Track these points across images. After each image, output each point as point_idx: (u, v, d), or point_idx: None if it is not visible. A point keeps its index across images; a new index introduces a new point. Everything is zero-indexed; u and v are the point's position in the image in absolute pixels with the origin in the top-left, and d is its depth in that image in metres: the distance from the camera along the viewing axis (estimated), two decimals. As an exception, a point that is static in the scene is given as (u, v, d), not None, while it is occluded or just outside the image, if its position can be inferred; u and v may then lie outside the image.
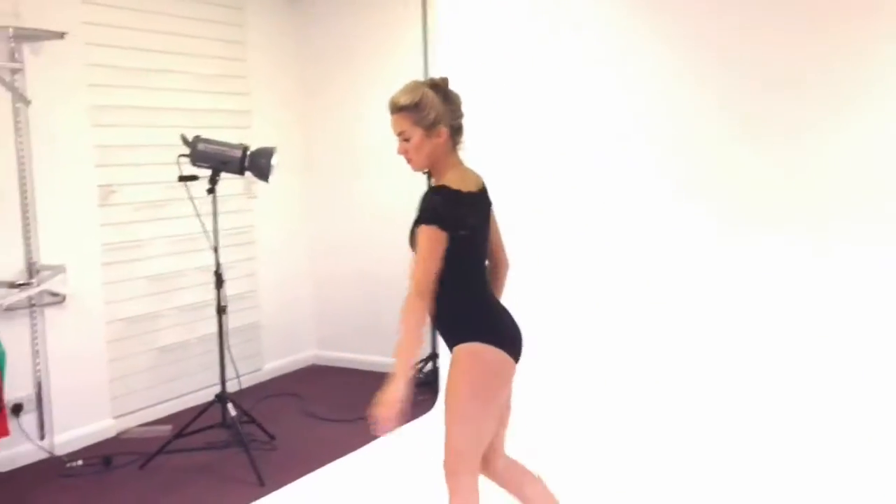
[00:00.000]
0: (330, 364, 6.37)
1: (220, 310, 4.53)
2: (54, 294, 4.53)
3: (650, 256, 4.89)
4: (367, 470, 4.33)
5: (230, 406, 4.54)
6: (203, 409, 4.62)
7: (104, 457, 4.48)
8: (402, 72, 5.53)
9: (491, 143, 4.99)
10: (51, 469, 4.40)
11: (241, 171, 4.46)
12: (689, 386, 4.72)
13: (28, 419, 4.47)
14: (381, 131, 5.75)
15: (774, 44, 4.50)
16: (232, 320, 5.42)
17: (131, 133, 5.00)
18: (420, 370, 5.54)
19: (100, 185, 4.82)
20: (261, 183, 4.63)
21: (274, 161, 4.47)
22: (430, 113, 2.69)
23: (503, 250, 2.95)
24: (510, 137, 5.18)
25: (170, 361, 5.28)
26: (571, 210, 5.09)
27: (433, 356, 5.42)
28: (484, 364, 2.69)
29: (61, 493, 4.14)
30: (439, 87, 2.75)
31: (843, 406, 4.35)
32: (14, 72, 4.35)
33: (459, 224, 2.63)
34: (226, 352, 4.58)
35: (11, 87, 4.32)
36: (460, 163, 2.79)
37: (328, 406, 5.37)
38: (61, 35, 4.42)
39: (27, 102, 4.37)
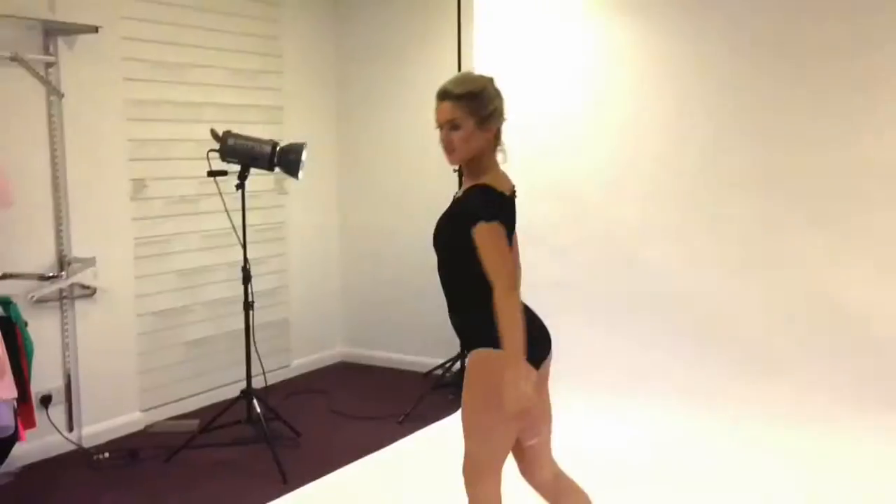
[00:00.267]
0: (358, 362, 6.35)
1: (247, 306, 4.53)
2: (85, 287, 4.55)
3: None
4: (391, 469, 4.30)
5: (255, 402, 4.53)
6: (228, 405, 4.62)
7: (130, 450, 4.50)
8: (435, 69, 5.53)
9: (526, 143, 4.97)
10: (78, 461, 4.43)
11: (270, 167, 4.44)
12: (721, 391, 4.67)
13: (57, 411, 4.50)
14: (415, 128, 5.88)
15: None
16: (261, 316, 5.42)
17: (164, 128, 5.02)
18: (447, 370, 5.51)
19: (132, 180, 4.84)
20: (292, 179, 4.61)
21: (304, 157, 4.46)
22: (489, 106, 2.64)
23: (518, 255, 2.91)
24: (546, 138, 5.16)
25: (199, 356, 5.29)
26: (608, 209, 5.06)
27: (461, 356, 5.38)
28: (494, 371, 2.56)
29: (87, 484, 4.16)
30: (494, 83, 2.70)
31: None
32: (48, 65, 4.38)
33: (504, 224, 2.59)
34: (252, 348, 4.58)
35: (45, 81, 4.35)
36: (497, 164, 2.74)
37: (355, 404, 5.35)
38: (95, 29, 4.44)
39: (60, 96, 4.40)
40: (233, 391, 4.85)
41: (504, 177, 2.73)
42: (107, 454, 4.44)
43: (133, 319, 4.88)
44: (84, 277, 4.51)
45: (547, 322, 2.77)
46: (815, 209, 4.50)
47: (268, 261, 5.71)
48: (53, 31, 4.38)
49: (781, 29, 4.52)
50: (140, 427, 4.90)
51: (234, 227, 4.49)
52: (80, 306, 4.59)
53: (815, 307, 4.52)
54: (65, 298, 4.51)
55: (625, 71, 4.97)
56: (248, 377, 4.59)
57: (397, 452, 4.52)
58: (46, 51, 4.37)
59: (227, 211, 4.48)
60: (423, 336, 5.94)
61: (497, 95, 2.68)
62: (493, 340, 2.54)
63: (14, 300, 3.97)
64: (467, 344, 2.71)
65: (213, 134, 4.41)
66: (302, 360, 6.10)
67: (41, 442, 4.40)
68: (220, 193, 4.47)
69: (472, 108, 2.61)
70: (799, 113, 4.51)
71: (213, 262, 5.30)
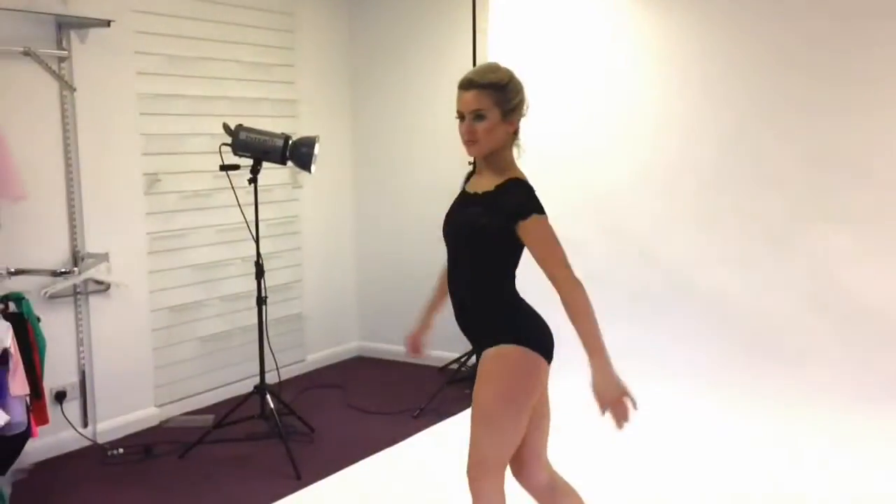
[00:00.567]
0: (374, 356, 6.33)
1: (261, 300, 4.50)
2: (98, 282, 4.54)
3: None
4: (406, 465, 4.27)
5: (269, 398, 4.51)
6: (242, 401, 4.60)
7: (145, 446, 4.49)
8: (450, 62, 5.48)
9: (544, 137, 4.95)
10: (92, 457, 4.42)
11: (282, 161, 4.41)
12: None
13: (71, 407, 4.50)
14: (430, 121, 5.83)
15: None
16: (276, 310, 5.41)
17: (178, 122, 4.99)
18: (462, 364, 5.47)
19: (145, 174, 4.82)
20: (305, 172, 4.58)
21: (316, 150, 4.42)
22: (515, 98, 2.58)
23: None
24: (564, 132, 5.13)
25: (213, 351, 5.27)
26: (627, 202, 5.03)
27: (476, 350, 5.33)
28: (516, 366, 2.57)
29: (101, 480, 4.15)
30: (517, 76, 2.64)
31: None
32: (61, 60, 4.36)
33: None
34: (265, 343, 4.55)
35: (57, 75, 4.33)
36: (514, 160, 2.68)
37: (371, 399, 5.32)
38: (108, 23, 4.41)
39: (73, 90, 4.38)
40: (247, 386, 4.83)
41: (522, 173, 2.67)
42: (121, 450, 4.43)
43: (147, 315, 4.86)
44: (98, 273, 4.49)
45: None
46: (836, 203, 4.47)
47: (282, 255, 5.69)
48: (66, 26, 4.36)
49: (804, 22, 4.48)
50: (155, 423, 4.89)
51: (246, 222, 4.47)
52: (95, 302, 4.57)
53: (836, 301, 4.48)
54: (79, 294, 4.50)
55: (644, 63, 4.94)
56: (262, 372, 4.57)
57: (412, 447, 4.49)
58: (59, 45, 4.35)
59: (239, 205, 4.46)
60: (439, 330, 5.82)
61: (522, 88, 2.62)
62: (513, 335, 2.55)
63: (27, 296, 3.96)
64: (489, 340, 2.62)
65: (226, 128, 4.38)
66: (317, 355, 6.08)
67: (55, 438, 4.39)
68: (233, 188, 4.44)
69: (498, 98, 2.55)
70: (821, 107, 4.48)
71: (227, 257, 5.27)
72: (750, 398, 4.59)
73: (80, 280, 4.44)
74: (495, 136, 2.57)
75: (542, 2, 5.20)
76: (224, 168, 4.42)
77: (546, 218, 2.50)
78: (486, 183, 2.62)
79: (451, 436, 4.53)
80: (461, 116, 2.59)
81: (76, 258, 4.46)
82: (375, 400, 5.29)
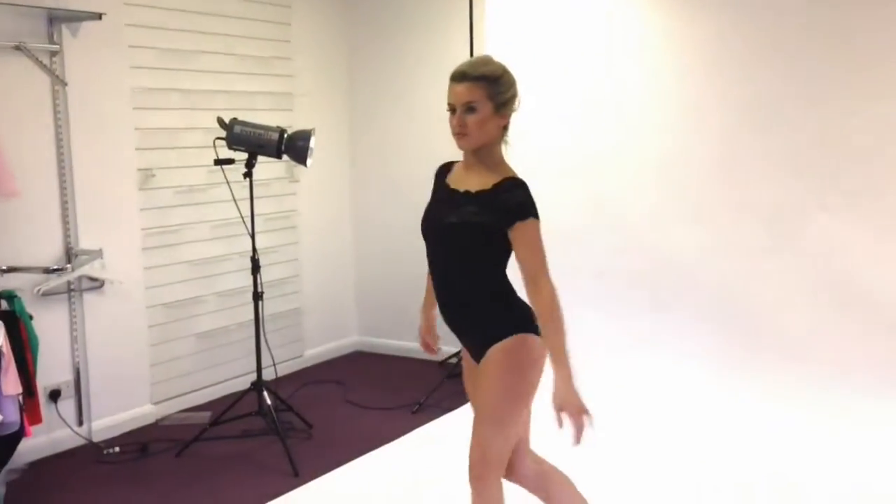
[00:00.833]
0: (373, 351, 6.28)
1: (257, 296, 4.45)
2: (93, 279, 4.49)
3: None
4: (405, 461, 4.22)
5: (265, 394, 4.47)
6: (239, 397, 4.56)
7: (141, 444, 4.44)
8: (447, 56, 5.41)
9: (541, 129, 4.92)
10: (88, 455, 4.37)
11: (278, 155, 4.35)
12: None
13: (66, 405, 4.45)
14: (428, 115, 5.76)
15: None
16: (273, 305, 5.37)
17: (172, 116, 4.93)
18: (459, 361, 5.42)
19: (140, 169, 4.77)
20: (302, 166, 4.52)
21: (312, 144, 4.36)
22: (508, 91, 2.55)
23: None
24: (562, 123, 5.09)
25: (210, 347, 5.22)
26: (626, 194, 5.00)
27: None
28: (524, 358, 2.56)
29: (97, 480, 4.10)
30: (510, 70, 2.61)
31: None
32: (53, 54, 4.30)
33: None
34: (262, 339, 4.50)
35: (49, 70, 4.27)
36: (504, 155, 2.64)
37: (369, 394, 5.28)
38: (99, 16, 4.35)
39: (64, 84, 4.33)
40: (245, 383, 4.78)
41: (514, 171, 2.63)
42: (117, 448, 4.38)
43: (143, 311, 4.81)
44: (92, 270, 4.44)
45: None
46: (839, 194, 4.44)
47: (280, 250, 5.63)
48: (57, 19, 4.30)
49: (804, 12, 4.43)
50: (151, 420, 4.84)
51: (242, 217, 4.42)
52: (89, 299, 4.52)
53: (839, 292, 4.44)
54: (73, 291, 4.45)
55: (642, 54, 4.90)
56: (259, 368, 4.52)
57: (411, 443, 4.45)
58: (50, 39, 4.29)
59: (234, 200, 4.41)
60: (438, 323, 5.82)
61: (515, 82, 2.59)
62: (524, 327, 2.55)
63: (20, 293, 3.92)
64: (486, 335, 2.60)
65: (220, 122, 4.33)
66: (316, 350, 6.03)
67: (49, 437, 4.35)
68: (228, 182, 4.39)
69: (491, 91, 2.52)
70: (821, 97, 4.44)
71: (223, 252, 5.22)
72: (751, 389, 4.57)
73: (73, 277, 4.39)
74: (486, 129, 2.54)
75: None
76: (219, 162, 4.37)
77: (538, 222, 2.48)
78: (479, 180, 2.57)
79: (451, 431, 4.49)
80: (452, 109, 2.56)
81: (69, 255, 4.40)
82: (374, 395, 5.25)
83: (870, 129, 4.33)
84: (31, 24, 4.22)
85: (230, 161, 4.41)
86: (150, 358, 4.87)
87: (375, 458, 4.26)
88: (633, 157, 4.97)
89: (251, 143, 4.30)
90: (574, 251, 4.81)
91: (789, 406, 4.41)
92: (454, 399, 4.89)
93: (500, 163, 2.60)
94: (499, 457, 2.61)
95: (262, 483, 4.00)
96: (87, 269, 4.41)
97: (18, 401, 3.65)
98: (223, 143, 4.33)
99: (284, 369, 5.46)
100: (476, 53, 5.20)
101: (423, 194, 6.16)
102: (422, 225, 2.72)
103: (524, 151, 2.81)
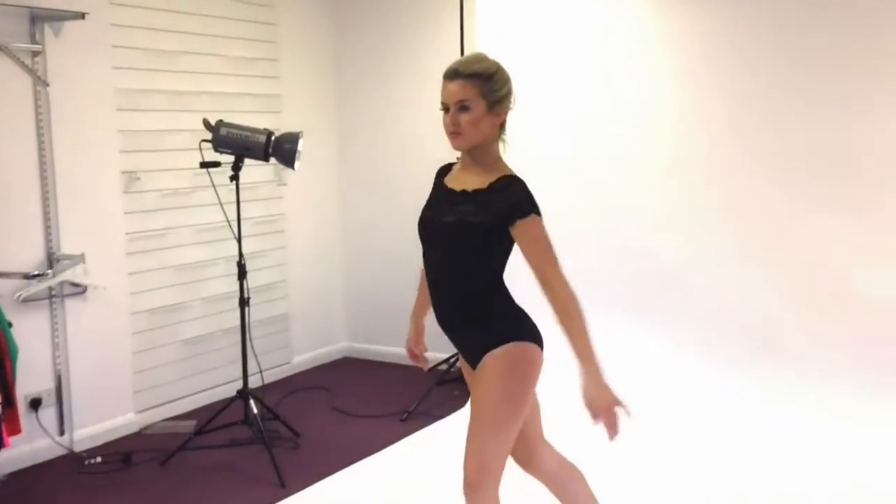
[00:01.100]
0: (362, 357, 6.19)
1: (243, 302, 4.36)
2: (75, 285, 4.39)
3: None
4: (394, 471, 4.14)
5: (252, 402, 4.37)
6: (225, 406, 4.47)
7: (124, 453, 4.34)
8: (438, 55, 5.34)
9: (535, 129, 4.87)
10: (69, 465, 4.27)
11: (265, 157, 4.27)
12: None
13: (47, 414, 4.34)
14: (417, 116, 5.69)
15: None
16: (261, 311, 5.28)
17: (157, 118, 4.84)
18: (452, 365, 5.35)
19: (123, 172, 4.67)
20: (289, 169, 4.44)
21: (300, 146, 4.27)
22: (503, 88, 2.49)
23: None
24: (556, 124, 5.04)
25: (195, 354, 5.12)
26: (621, 196, 4.96)
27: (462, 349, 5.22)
28: (522, 365, 2.52)
29: (78, 491, 4.00)
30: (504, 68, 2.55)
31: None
32: (34, 54, 4.21)
33: None
34: (248, 345, 4.42)
35: (30, 70, 4.18)
36: (501, 155, 2.58)
37: (358, 401, 5.19)
38: (82, 16, 4.26)
39: (46, 85, 4.23)
40: (231, 390, 4.70)
41: (512, 170, 2.57)
42: (99, 458, 4.28)
43: (126, 318, 4.71)
44: (74, 275, 4.34)
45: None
46: (836, 196, 4.41)
47: (267, 254, 5.55)
48: (39, 19, 4.21)
49: (800, 10, 4.38)
50: (135, 429, 4.73)
51: (228, 221, 4.33)
52: (71, 305, 4.42)
53: (835, 295, 4.42)
54: (54, 297, 4.35)
55: (637, 55, 4.86)
56: (245, 376, 4.43)
57: (400, 452, 4.36)
58: (32, 39, 4.20)
59: (220, 204, 4.32)
60: (428, 330, 5.76)
61: (509, 79, 2.53)
62: (521, 332, 2.51)
63: (-1, 300, 3.82)
64: (484, 340, 2.54)
65: (206, 124, 4.24)
66: (304, 357, 5.93)
67: (30, 447, 4.24)
68: (214, 185, 4.31)
69: (484, 89, 2.46)
70: (817, 98, 4.41)
71: (209, 257, 5.12)
72: (747, 393, 4.52)
73: (55, 283, 4.29)
74: (480, 128, 2.48)
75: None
76: (204, 165, 4.28)
77: (541, 219, 2.43)
78: (475, 180, 2.52)
79: (441, 439, 4.42)
80: (445, 108, 2.51)
81: (51, 260, 4.30)
82: (363, 403, 5.16)
83: (868, 132, 4.29)
84: (13, 23, 4.12)
85: (216, 164, 4.32)
86: (134, 365, 4.77)
87: (364, 468, 4.17)
88: (625, 160, 4.92)
89: (238, 145, 4.22)
90: (565, 255, 4.75)
91: (789, 406, 4.37)
92: (444, 407, 4.81)
93: (497, 161, 2.55)
94: (497, 465, 2.54)
95: (249, 494, 3.91)
96: (69, 275, 4.31)
97: (-3, 411, 3.55)
98: (209, 145, 4.25)
99: (271, 376, 5.37)
100: (468, 50, 5.14)
101: (413, 197, 6.09)
102: (418, 225, 2.66)
103: (515, 154, 2.74)
